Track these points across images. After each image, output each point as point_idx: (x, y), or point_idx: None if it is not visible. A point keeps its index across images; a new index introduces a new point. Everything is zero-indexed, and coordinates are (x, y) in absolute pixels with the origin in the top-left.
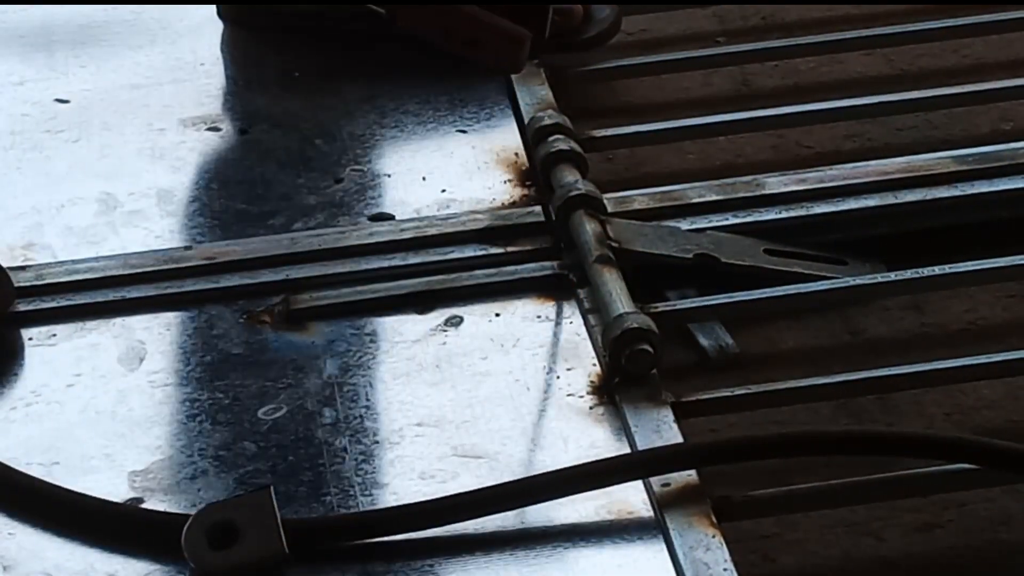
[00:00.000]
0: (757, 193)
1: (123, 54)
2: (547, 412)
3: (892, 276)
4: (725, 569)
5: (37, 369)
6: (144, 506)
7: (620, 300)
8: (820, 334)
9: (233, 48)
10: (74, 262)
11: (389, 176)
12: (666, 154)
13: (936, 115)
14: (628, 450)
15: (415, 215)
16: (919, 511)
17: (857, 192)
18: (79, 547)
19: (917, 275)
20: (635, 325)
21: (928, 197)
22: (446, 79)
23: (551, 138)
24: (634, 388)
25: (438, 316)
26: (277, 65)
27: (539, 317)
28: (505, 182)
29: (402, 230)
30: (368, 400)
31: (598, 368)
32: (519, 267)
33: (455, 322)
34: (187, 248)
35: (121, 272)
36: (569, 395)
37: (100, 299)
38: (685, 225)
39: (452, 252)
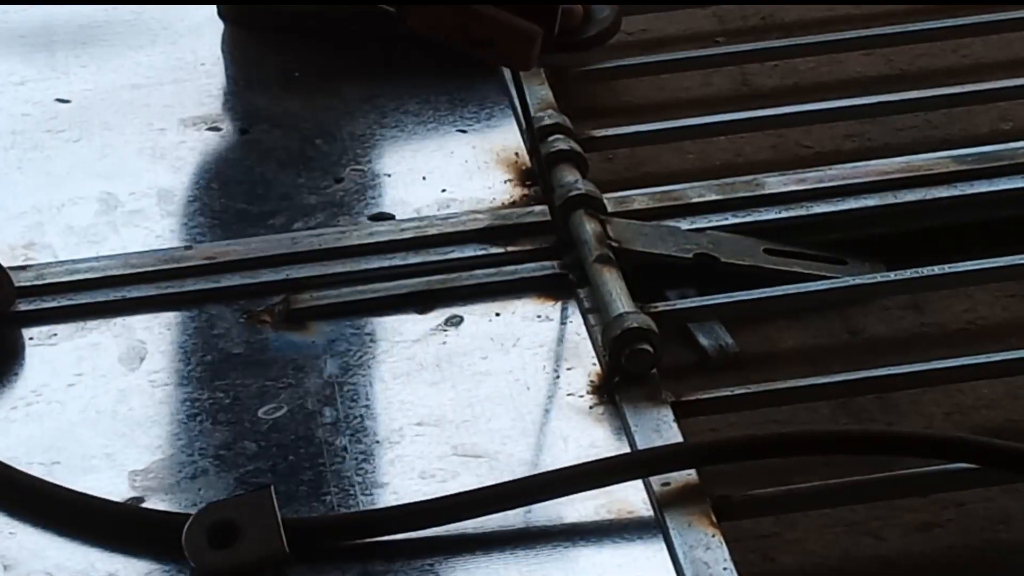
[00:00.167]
0: (757, 193)
1: (124, 54)
2: (547, 412)
3: (891, 276)
4: (725, 568)
5: (38, 369)
6: (145, 505)
7: (620, 300)
8: (820, 334)
9: (233, 48)
10: (75, 262)
11: (389, 176)
12: (666, 154)
13: (935, 115)
14: (628, 449)
15: (415, 215)
16: (918, 510)
17: (857, 192)
18: (80, 546)
19: (916, 275)
20: (635, 325)
21: (927, 197)
22: (446, 79)
23: (551, 138)
24: (634, 388)
25: (438, 316)
26: (277, 65)
27: (539, 317)
28: (505, 182)
29: (402, 230)
30: (368, 400)
31: (598, 368)
32: (519, 267)
33: (455, 322)
34: (187, 248)
35: (122, 272)
36: (569, 394)
37: (101, 299)
38: (685, 225)
39: (452, 252)
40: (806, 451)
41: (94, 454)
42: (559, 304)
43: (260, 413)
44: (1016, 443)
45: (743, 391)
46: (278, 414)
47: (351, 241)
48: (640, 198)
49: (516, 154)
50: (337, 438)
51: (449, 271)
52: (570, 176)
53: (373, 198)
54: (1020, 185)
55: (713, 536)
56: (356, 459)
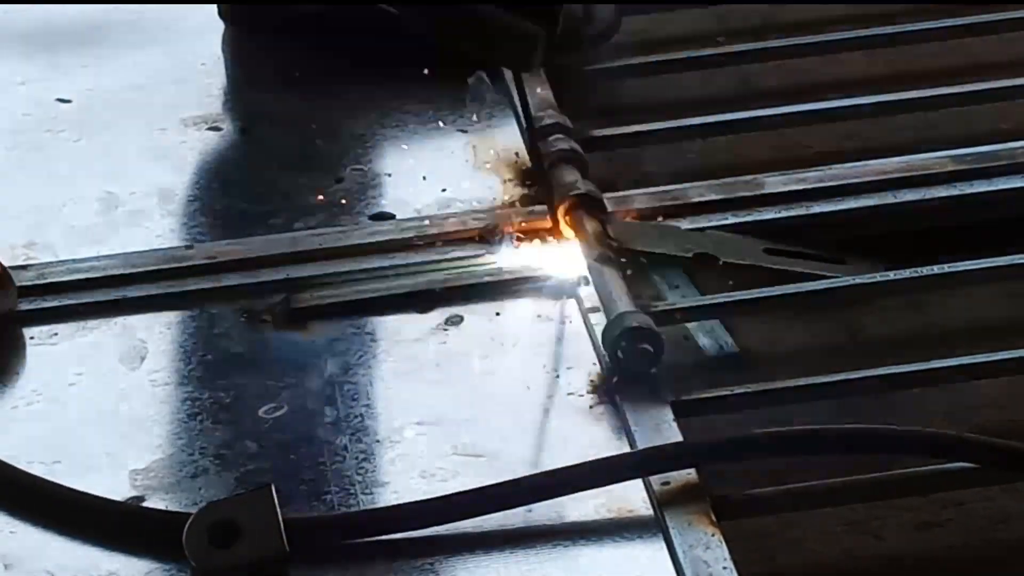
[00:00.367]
0: (757, 193)
1: (125, 54)
2: (547, 411)
3: (891, 275)
4: (725, 567)
5: (39, 368)
6: (145, 505)
7: (620, 299)
8: (819, 333)
9: (234, 48)
10: (75, 261)
11: (390, 175)
12: (666, 154)
13: (935, 115)
14: (628, 449)
15: (416, 214)
16: (918, 510)
17: (856, 192)
18: (81, 546)
19: (916, 274)
20: (635, 324)
21: (927, 197)
22: (447, 79)
23: (551, 138)
24: (634, 387)
25: (439, 315)
26: (278, 65)
27: (539, 316)
28: (505, 181)
29: (403, 229)
30: (369, 399)
31: (598, 367)
32: (519, 266)
33: (455, 321)
34: (188, 247)
35: (122, 271)
36: (569, 394)
37: (101, 298)
38: (685, 224)
39: (452, 251)
40: (806, 450)
41: (95, 453)
42: (559, 304)
43: (261, 412)
44: (1016, 443)
45: (743, 391)
46: (279, 413)
47: (352, 241)
48: (640, 198)
49: (516, 154)
50: (337, 437)
51: (449, 271)
52: (570, 176)
53: (374, 198)
54: (1019, 185)
55: (713, 535)
56: (356, 458)
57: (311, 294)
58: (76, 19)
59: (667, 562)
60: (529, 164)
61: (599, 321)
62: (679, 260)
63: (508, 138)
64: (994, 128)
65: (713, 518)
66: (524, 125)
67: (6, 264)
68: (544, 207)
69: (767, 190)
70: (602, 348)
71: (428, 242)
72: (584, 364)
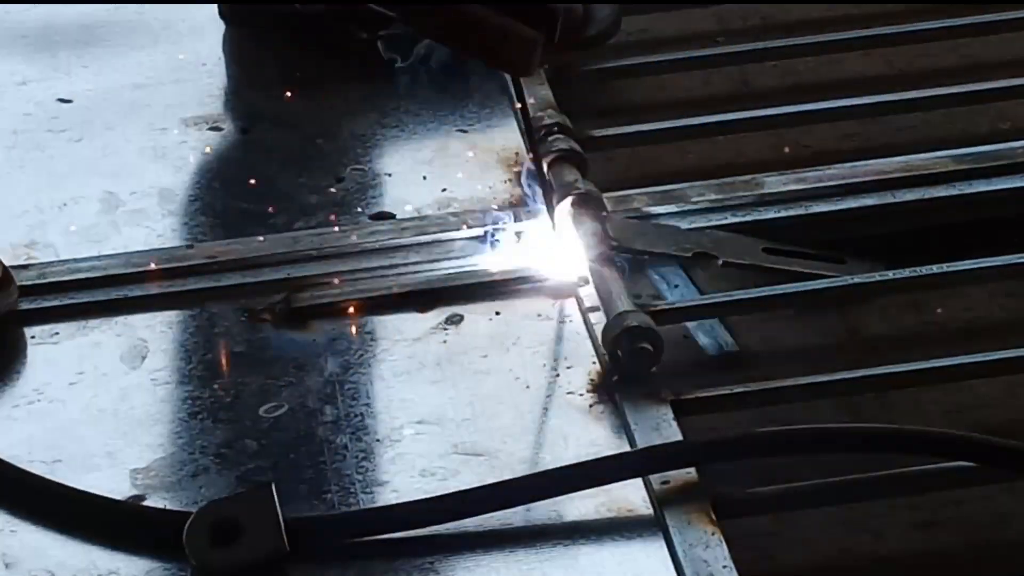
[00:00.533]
0: (756, 192)
1: (125, 54)
2: (547, 410)
3: (891, 275)
4: (724, 566)
5: (39, 367)
6: (146, 504)
7: (620, 298)
8: (819, 332)
9: (235, 48)
10: (76, 261)
11: (390, 175)
12: (666, 153)
13: (934, 115)
14: (628, 448)
15: (416, 214)
16: (917, 509)
17: (856, 191)
18: (81, 544)
19: (916, 274)
20: (635, 323)
21: (926, 196)
22: (447, 78)
23: (551, 138)
24: (634, 386)
25: (438, 314)
26: (278, 65)
27: (539, 316)
28: (505, 181)
29: (403, 229)
30: (369, 398)
31: (598, 366)
32: (519, 266)
33: (455, 320)
34: (189, 247)
35: (123, 271)
36: (569, 393)
37: (102, 297)
38: (684, 224)
39: (453, 251)
40: (805, 449)
41: (95, 452)
42: (559, 303)
43: (261, 411)
44: (1015, 442)
45: (742, 389)
46: (279, 412)
47: (352, 240)
48: (640, 197)
49: (516, 154)
50: (338, 436)
51: (449, 270)
52: (570, 176)
53: (374, 197)
54: (1019, 184)
55: (713, 534)
56: (357, 457)
57: (311, 293)
58: (77, 19)
59: (667, 561)
60: (529, 164)
61: (599, 320)
62: (678, 259)
63: (508, 138)
64: (994, 128)
65: (713, 517)
66: (524, 126)
67: (7, 263)
68: (544, 206)
69: (766, 190)
70: (602, 347)
71: (428, 242)
72: (584, 363)
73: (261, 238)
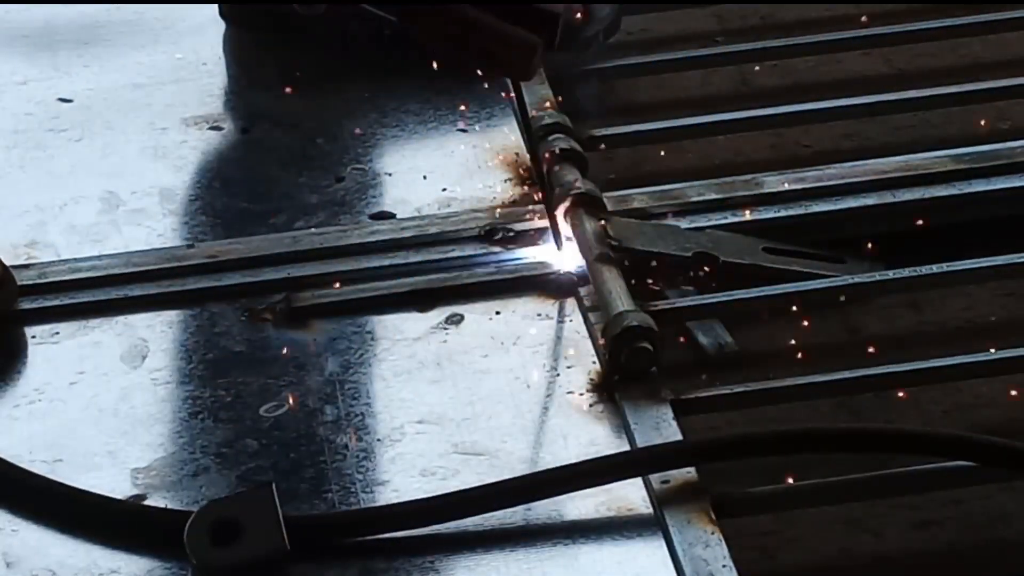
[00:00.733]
0: (756, 192)
1: (126, 54)
2: (547, 409)
3: (890, 274)
4: (724, 566)
5: (40, 367)
6: (147, 503)
7: (620, 298)
8: (819, 332)
9: (235, 48)
10: (77, 260)
11: (390, 175)
12: (665, 153)
13: (934, 114)
14: (628, 447)
15: (416, 214)
16: (917, 508)
17: (855, 191)
18: (82, 544)
19: (915, 273)
20: (635, 323)
21: (926, 196)
22: (447, 78)
23: (551, 137)
24: (634, 386)
25: (439, 314)
26: (278, 64)
27: (539, 315)
28: (505, 181)
29: (403, 229)
30: (369, 398)
31: (598, 366)
32: (519, 265)
33: (456, 320)
34: (189, 246)
35: (123, 270)
36: (569, 393)
37: (103, 297)
38: (684, 224)
39: (453, 250)
40: (805, 449)
41: (96, 452)
42: (559, 303)
43: (261, 411)
44: (1014, 441)
45: (742, 389)
46: (279, 412)
47: (352, 240)
48: (640, 197)
49: (516, 153)
50: (338, 436)
51: (450, 270)
52: (570, 175)
53: (374, 197)
54: (1018, 184)
55: (712, 533)
56: (357, 457)
57: (312, 293)
58: (77, 19)
59: (667, 560)
60: (529, 163)
61: (599, 320)
62: (678, 259)
63: (508, 138)
64: (993, 128)
65: (712, 516)
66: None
67: (7, 263)
68: (544, 206)
69: (766, 189)
70: (602, 347)
71: (428, 241)
72: (584, 363)
73: (261, 238)
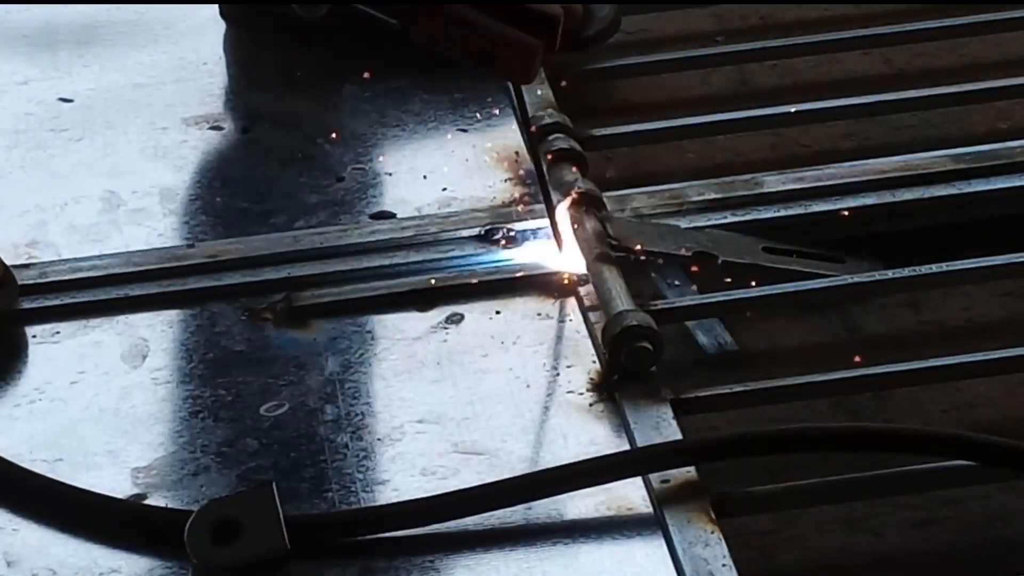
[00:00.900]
0: (755, 192)
1: (126, 54)
2: (547, 409)
3: (889, 274)
4: (724, 565)
5: (41, 366)
6: (147, 502)
7: (620, 298)
8: (818, 331)
9: (235, 48)
10: (77, 260)
11: (390, 175)
12: (665, 153)
13: (933, 114)
14: (628, 447)
15: (416, 213)
16: (916, 507)
17: (855, 191)
18: (83, 543)
19: (914, 273)
20: (635, 323)
21: (925, 196)
22: (447, 78)
23: (551, 137)
24: (634, 385)
25: (439, 314)
26: (279, 64)
27: (539, 315)
28: (505, 180)
29: (403, 228)
30: (369, 397)
31: (598, 365)
32: (519, 265)
33: (456, 319)
34: (190, 246)
35: (124, 270)
36: (569, 392)
37: (103, 297)
38: (684, 223)
39: (453, 250)
40: (804, 448)
41: (97, 451)
42: (559, 302)
43: (262, 410)
44: (1013, 440)
45: (742, 388)
46: (280, 411)
47: (352, 239)
48: (639, 197)
49: (516, 153)
50: (338, 435)
51: (450, 269)
52: (570, 175)
53: (374, 197)
54: (1017, 184)
55: (712, 533)
56: (357, 456)
57: (312, 292)
58: (78, 19)
59: (667, 560)
60: (529, 163)
61: (599, 319)
62: (678, 259)
63: (509, 137)
64: (992, 128)
65: (712, 516)
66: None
67: (8, 263)
68: (544, 206)
69: (766, 189)
70: (602, 346)
71: (428, 241)
72: (584, 362)
73: (262, 237)
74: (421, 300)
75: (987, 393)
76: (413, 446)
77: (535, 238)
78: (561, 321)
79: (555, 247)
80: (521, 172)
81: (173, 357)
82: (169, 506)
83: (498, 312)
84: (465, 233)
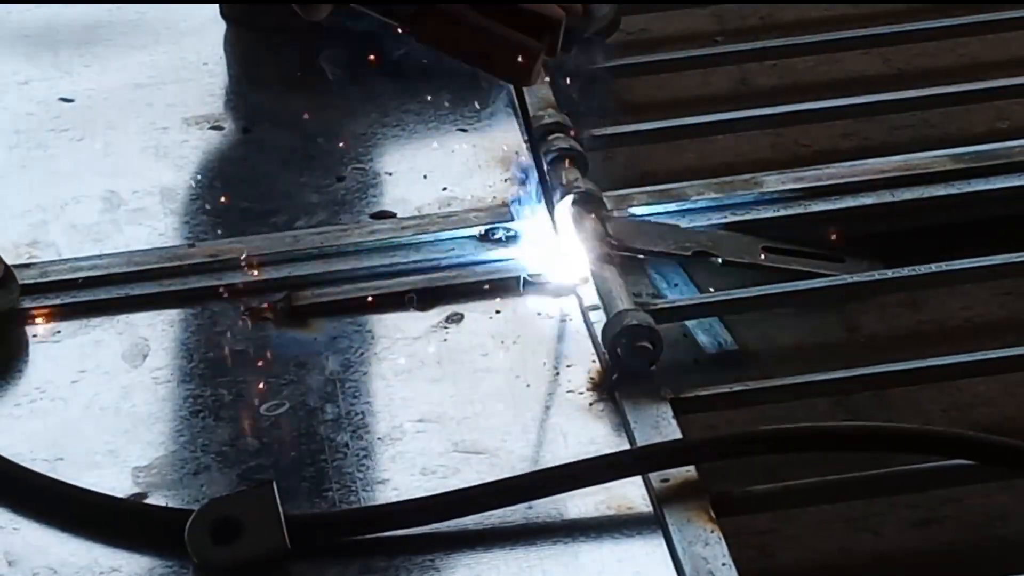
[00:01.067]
0: (755, 191)
1: (127, 54)
2: (547, 408)
3: (889, 274)
4: (724, 564)
5: (41, 366)
6: (147, 501)
7: (620, 298)
8: (818, 331)
9: (236, 47)
10: (78, 259)
11: (390, 174)
12: (665, 153)
13: (933, 114)
14: (627, 446)
15: (416, 213)
16: (916, 506)
17: (854, 190)
18: (83, 542)
19: (914, 272)
20: (634, 322)
21: (925, 195)
22: (447, 77)
23: (551, 137)
24: (633, 384)
25: (439, 313)
26: (279, 64)
27: (539, 314)
28: (506, 180)
29: (403, 228)
30: (369, 396)
31: (598, 365)
32: (519, 265)
33: (456, 319)
34: (190, 246)
35: (125, 269)
36: (569, 391)
37: (104, 296)
38: (684, 223)
39: (453, 250)
40: (804, 447)
41: (97, 450)
42: (559, 302)
43: (262, 410)
44: (1013, 440)
45: (741, 388)
46: (280, 411)
47: (353, 239)
48: (639, 196)
49: (516, 153)
50: (339, 434)
51: (450, 269)
52: (570, 175)
53: (374, 196)
54: (1017, 183)
55: (712, 532)
56: (357, 455)
57: (312, 292)
58: (79, 19)
59: (666, 559)
60: (530, 162)
61: (599, 319)
62: (678, 258)
63: (509, 137)
64: (992, 127)
65: (712, 515)
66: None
67: (9, 262)
68: (544, 205)
69: (765, 189)
70: (602, 345)
71: (428, 241)
72: (584, 361)
73: (262, 237)
74: (421, 300)
75: (986, 393)
76: (413, 445)
77: (535, 238)
78: (561, 321)
79: (555, 247)
80: (521, 172)
81: (174, 356)
82: (170, 505)
83: (498, 312)
84: (465, 233)
